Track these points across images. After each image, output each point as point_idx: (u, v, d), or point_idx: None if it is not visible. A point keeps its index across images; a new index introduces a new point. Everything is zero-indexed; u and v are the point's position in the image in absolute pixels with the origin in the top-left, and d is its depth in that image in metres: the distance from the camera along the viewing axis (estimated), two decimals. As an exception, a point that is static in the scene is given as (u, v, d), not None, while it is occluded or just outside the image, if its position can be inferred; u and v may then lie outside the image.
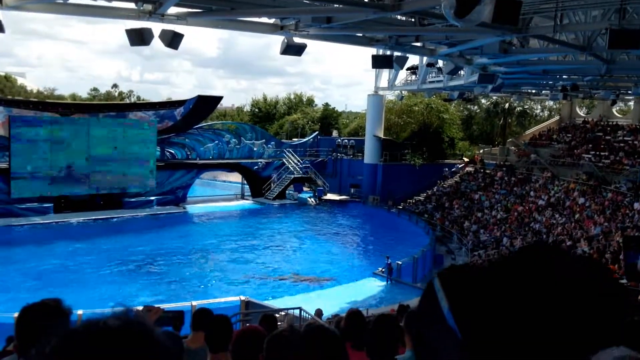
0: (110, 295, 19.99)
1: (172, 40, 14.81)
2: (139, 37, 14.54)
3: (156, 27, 14.63)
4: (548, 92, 33.02)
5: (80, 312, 7.19)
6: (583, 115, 45.88)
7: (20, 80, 71.12)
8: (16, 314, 2.24)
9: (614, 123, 41.54)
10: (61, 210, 32.80)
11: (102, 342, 0.77)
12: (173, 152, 38.83)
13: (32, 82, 79.01)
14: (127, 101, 65.76)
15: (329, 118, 64.04)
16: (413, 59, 33.07)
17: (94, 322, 0.79)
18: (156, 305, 3.32)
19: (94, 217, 33.06)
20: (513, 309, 0.64)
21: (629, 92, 28.00)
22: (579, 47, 17.78)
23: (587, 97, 38.97)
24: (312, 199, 42.95)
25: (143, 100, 61.16)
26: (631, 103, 43.26)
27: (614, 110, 42.08)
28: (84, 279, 22.11)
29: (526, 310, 0.63)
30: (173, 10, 14.22)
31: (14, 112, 32.07)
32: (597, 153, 36.64)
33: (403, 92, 42.24)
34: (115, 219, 33.36)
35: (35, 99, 42.12)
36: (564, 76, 26.40)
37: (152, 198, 36.78)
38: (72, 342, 0.76)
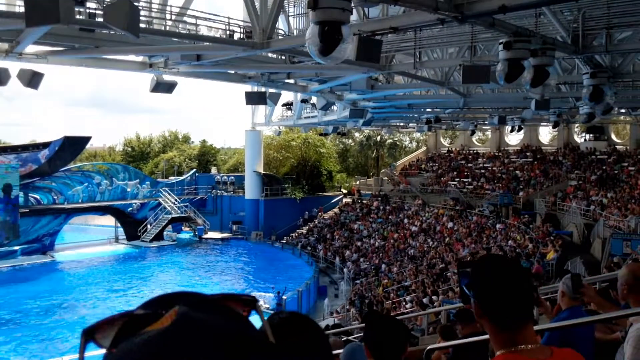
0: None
1: (32, 79, 13.91)
2: (-6, 77, 13.53)
3: (14, 66, 13.73)
4: (415, 124, 35.10)
5: None
6: (447, 145, 49.23)
7: None
8: None
9: (475, 151, 45.05)
10: None
11: None
12: (38, 197, 36.17)
13: None
14: (-16, 144, 60.47)
15: (207, 155, 63.16)
16: (288, 95, 33.85)
17: None
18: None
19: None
20: None
21: (486, 122, 30.48)
22: (438, 82, 19.17)
23: (450, 128, 41.96)
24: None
25: (4, 143, 56.81)
26: (488, 132, 47.16)
27: (474, 139, 45.57)
28: None
29: None
30: (32, 48, 13.41)
31: None
32: (461, 180, 39.39)
33: (280, 127, 42.84)
34: (-29, 274, 30.17)
35: None
36: (428, 109, 28.15)
37: (16, 248, 33.82)
38: None
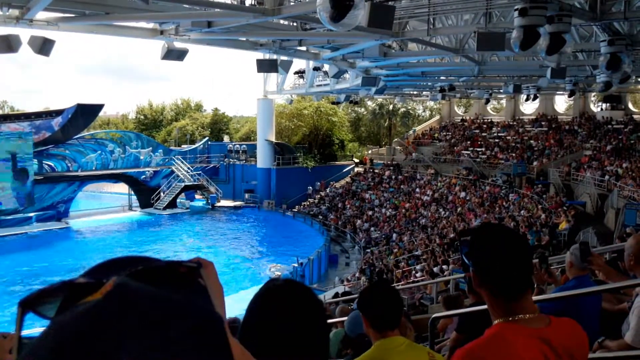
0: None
1: (43, 46, 13.86)
2: (5, 44, 13.47)
3: (25, 33, 13.69)
4: (428, 92, 34.65)
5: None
6: (461, 114, 48.68)
7: None
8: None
9: (489, 120, 44.55)
10: None
11: None
12: (52, 164, 36.52)
13: None
14: (0, 112, 60.99)
15: (219, 123, 63.13)
16: (300, 63, 33.54)
17: None
18: (12, 332, 3.05)
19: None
20: None
21: (501, 90, 30.01)
22: (453, 50, 18.84)
23: (464, 96, 41.39)
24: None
25: (18, 110, 57.16)
26: (503, 101, 46.54)
27: (488, 108, 45.03)
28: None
29: None
30: (43, 15, 13.33)
31: None
32: (475, 149, 39.09)
33: (292, 95, 42.57)
34: (-13, 241, 30.71)
35: None
36: (442, 77, 27.74)
37: (31, 214, 34.32)
38: None
